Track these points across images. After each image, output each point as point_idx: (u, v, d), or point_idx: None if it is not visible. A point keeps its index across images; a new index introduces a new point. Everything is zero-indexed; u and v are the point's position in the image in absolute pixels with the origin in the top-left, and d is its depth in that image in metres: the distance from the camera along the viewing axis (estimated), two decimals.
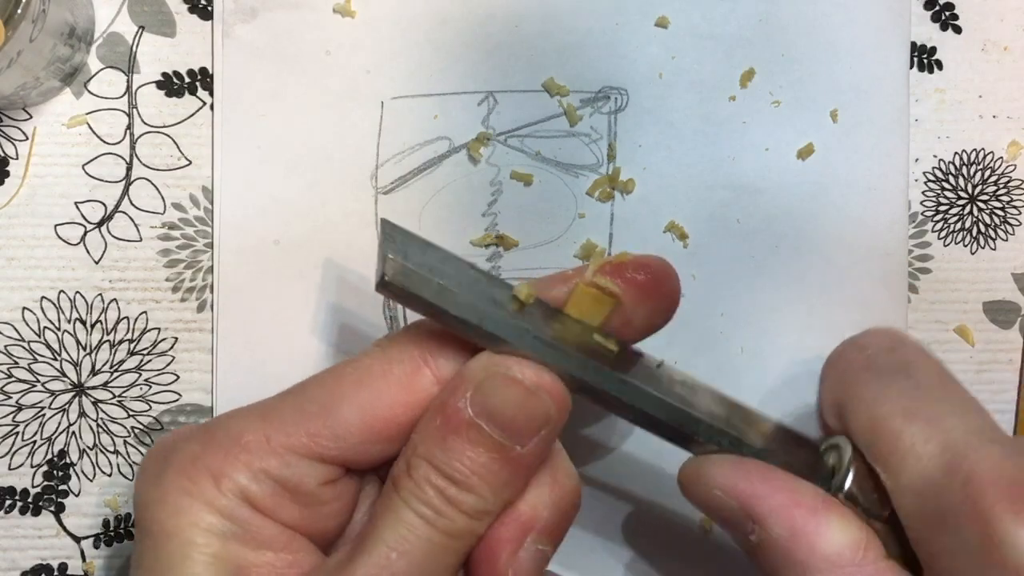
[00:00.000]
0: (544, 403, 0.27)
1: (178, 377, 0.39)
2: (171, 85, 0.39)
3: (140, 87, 0.39)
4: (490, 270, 0.40)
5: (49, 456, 0.39)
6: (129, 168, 0.39)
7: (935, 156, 0.42)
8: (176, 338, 0.39)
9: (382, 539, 0.26)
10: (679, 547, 0.41)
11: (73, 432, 0.39)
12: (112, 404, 0.39)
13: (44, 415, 0.39)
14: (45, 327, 0.39)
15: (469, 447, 0.26)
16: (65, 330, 0.39)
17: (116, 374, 0.39)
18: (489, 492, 0.27)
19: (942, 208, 0.42)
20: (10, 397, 0.39)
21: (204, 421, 0.29)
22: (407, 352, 0.28)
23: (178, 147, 0.39)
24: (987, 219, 0.42)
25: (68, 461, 0.39)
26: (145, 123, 0.39)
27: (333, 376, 0.29)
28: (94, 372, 0.39)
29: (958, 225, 0.42)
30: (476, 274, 0.29)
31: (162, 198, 0.39)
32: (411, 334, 0.29)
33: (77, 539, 0.39)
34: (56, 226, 0.39)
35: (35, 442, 0.39)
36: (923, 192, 0.42)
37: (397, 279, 0.26)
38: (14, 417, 0.39)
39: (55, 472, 0.39)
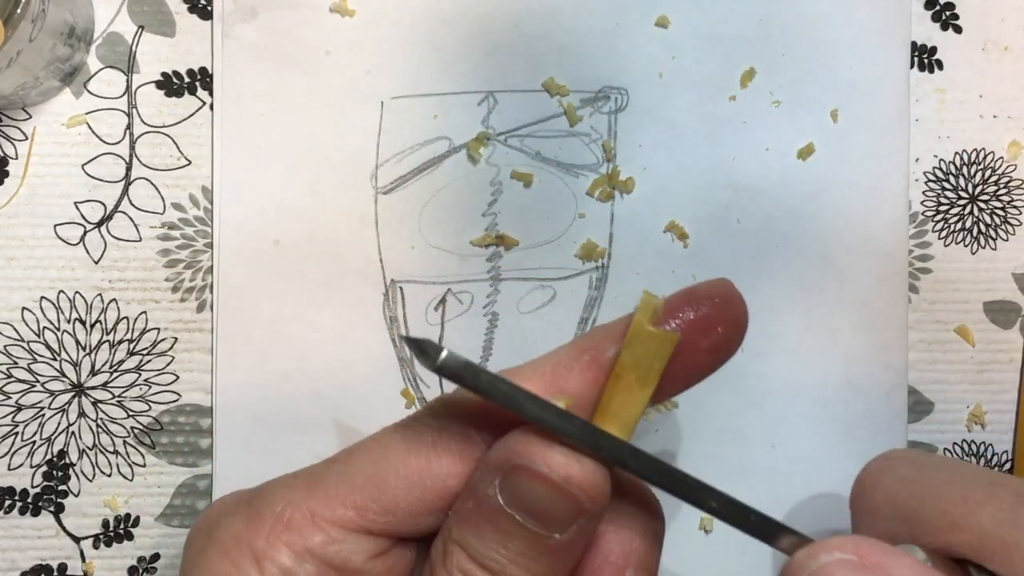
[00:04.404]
0: (576, 496, 0.25)
1: (178, 377, 0.39)
2: (171, 85, 0.39)
3: (140, 87, 0.39)
4: (490, 270, 0.40)
5: (49, 456, 0.39)
6: (129, 168, 0.39)
7: (935, 156, 0.42)
8: (176, 338, 0.39)
9: None
10: (679, 547, 0.40)
11: (73, 432, 0.39)
12: (112, 404, 0.39)
13: (44, 415, 0.39)
14: (45, 327, 0.39)
15: (504, 536, 0.25)
16: (65, 330, 0.39)
17: (116, 374, 0.39)
18: None
19: (942, 208, 0.42)
20: (10, 397, 0.39)
21: (251, 488, 0.28)
22: (458, 417, 0.27)
23: (178, 147, 0.39)
24: (987, 219, 0.42)
25: (68, 461, 0.39)
26: (145, 123, 0.39)
27: (380, 443, 0.27)
28: (94, 372, 0.39)
29: (958, 225, 0.42)
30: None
31: (162, 198, 0.39)
32: (462, 398, 0.27)
33: (76, 539, 0.39)
34: (56, 226, 0.39)
35: (35, 442, 0.39)
36: (923, 192, 0.42)
37: (454, 363, 0.25)
38: (14, 417, 0.39)
39: (55, 472, 0.39)
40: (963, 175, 0.42)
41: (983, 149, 0.42)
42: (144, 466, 0.39)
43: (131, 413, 0.39)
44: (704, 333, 0.26)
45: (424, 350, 0.25)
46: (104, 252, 0.39)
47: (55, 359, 0.39)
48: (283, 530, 0.26)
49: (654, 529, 0.28)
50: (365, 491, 0.26)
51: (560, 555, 0.25)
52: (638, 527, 0.27)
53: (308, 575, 0.26)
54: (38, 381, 0.39)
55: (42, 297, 0.39)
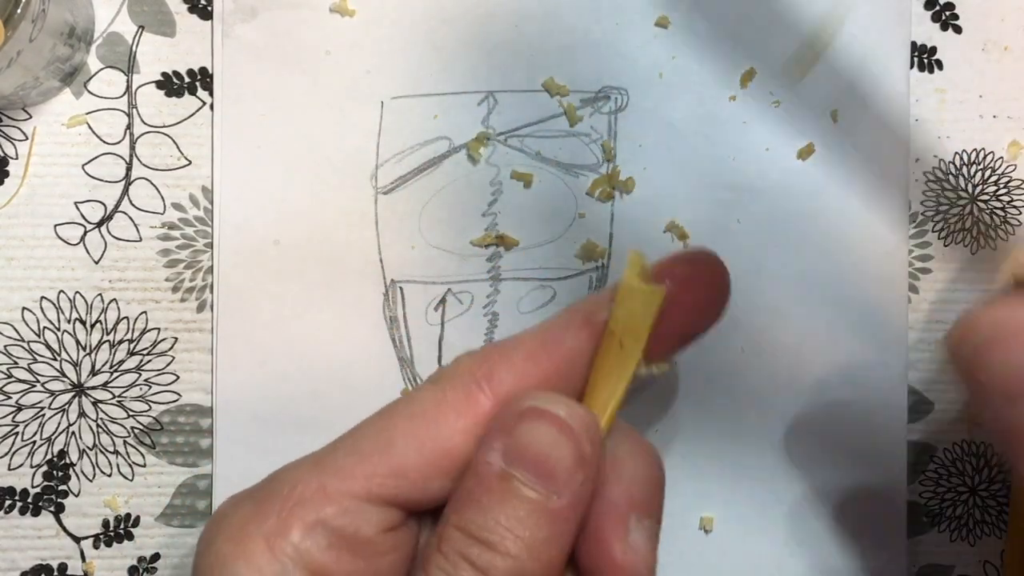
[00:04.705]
0: (577, 439, 0.26)
1: (178, 377, 0.39)
2: (171, 85, 0.39)
3: (140, 87, 0.39)
4: (490, 270, 0.40)
5: (49, 456, 0.39)
6: (129, 168, 0.39)
7: (935, 156, 0.42)
8: (176, 338, 0.39)
9: None
10: (679, 547, 0.40)
11: (73, 432, 0.39)
12: (112, 404, 0.39)
13: (44, 415, 0.39)
14: (45, 327, 0.39)
15: (503, 503, 0.25)
16: (65, 330, 0.39)
17: (116, 374, 0.39)
18: (526, 553, 0.25)
19: (942, 208, 0.42)
20: (10, 397, 0.39)
21: (258, 483, 0.28)
22: (459, 378, 0.27)
23: (178, 147, 0.39)
24: (987, 219, 0.42)
25: (68, 461, 0.39)
26: (145, 123, 0.39)
27: (385, 414, 0.28)
28: (94, 372, 0.39)
29: (958, 225, 0.42)
30: None
31: (162, 198, 0.39)
32: (462, 362, 0.28)
33: (77, 539, 0.39)
34: (56, 226, 0.39)
35: (35, 442, 0.39)
36: (923, 192, 0.42)
37: None
38: (14, 417, 0.39)
39: (55, 472, 0.39)
40: (963, 175, 0.42)
41: (983, 149, 0.42)
42: (144, 466, 0.39)
43: (131, 413, 0.39)
44: (689, 291, 0.28)
45: None
46: (104, 252, 0.39)
47: (55, 359, 0.39)
48: (294, 505, 0.26)
49: (655, 475, 0.28)
50: (373, 458, 0.26)
51: (558, 522, 0.26)
52: (639, 474, 0.28)
53: (319, 548, 0.26)
54: (38, 381, 0.39)
55: (42, 297, 0.39)
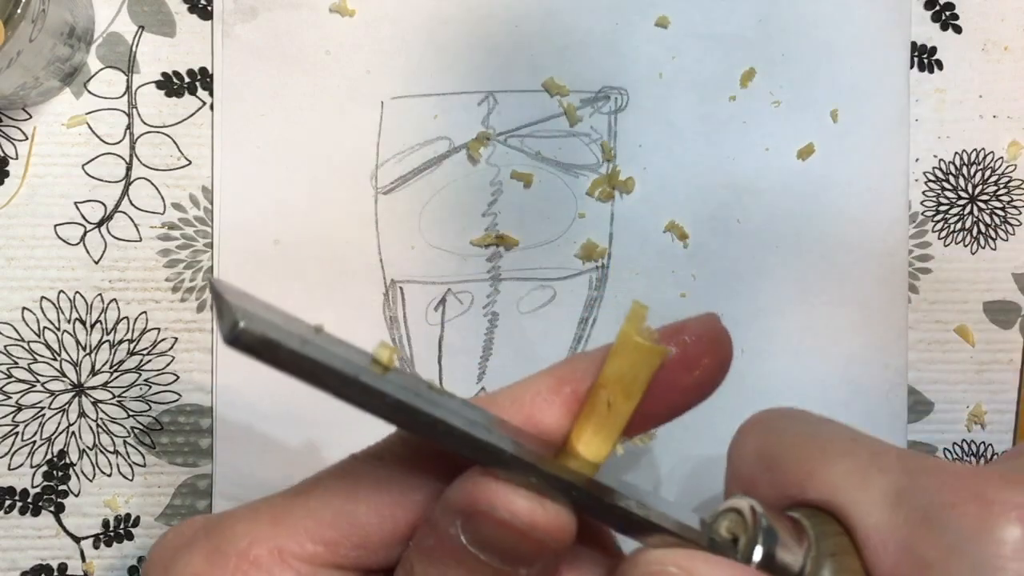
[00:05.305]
0: (542, 540, 0.24)
1: (178, 377, 0.39)
2: (171, 85, 0.39)
3: (140, 87, 0.39)
4: (490, 270, 0.40)
5: (49, 456, 0.39)
6: (129, 168, 0.39)
7: (935, 156, 0.42)
8: (176, 338, 0.39)
9: None
10: None
11: (73, 432, 0.39)
12: (112, 404, 0.39)
13: (44, 415, 0.39)
14: (45, 327, 0.39)
15: (468, 573, 0.24)
16: (65, 330, 0.39)
17: (116, 374, 0.39)
18: None
19: (942, 208, 0.42)
20: (10, 397, 0.39)
21: (209, 517, 0.27)
22: (427, 443, 0.25)
23: (178, 147, 0.39)
24: (987, 219, 0.42)
25: (68, 461, 0.39)
26: (145, 123, 0.39)
27: (349, 477, 0.26)
28: (94, 372, 0.39)
29: (958, 225, 0.42)
30: (328, 336, 0.23)
31: (162, 198, 0.39)
32: None
33: (77, 539, 0.39)
34: (56, 226, 0.39)
35: (35, 442, 0.39)
36: (923, 192, 0.42)
37: (254, 326, 0.20)
38: (14, 417, 0.39)
39: (55, 472, 0.39)
40: (963, 175, 0.42)
41: (983, 149, 0.42)
42: (144, 466, 0.39)
43: (131, 413, 0.39)
44: (689, 370, 0.26)
45: (221, 312, 0.20)
46: (104, 252, 0.39)
47: (55, 359, 0.39)
48: (249, 567, 0.25)
49: (610, 567, 0.27)
50: (335, 526, 0.25)
51: None
52: (596, 569, 0.26)
53: None
54: (38, 381, 0.39)
55: (42, 297, 0.39)
